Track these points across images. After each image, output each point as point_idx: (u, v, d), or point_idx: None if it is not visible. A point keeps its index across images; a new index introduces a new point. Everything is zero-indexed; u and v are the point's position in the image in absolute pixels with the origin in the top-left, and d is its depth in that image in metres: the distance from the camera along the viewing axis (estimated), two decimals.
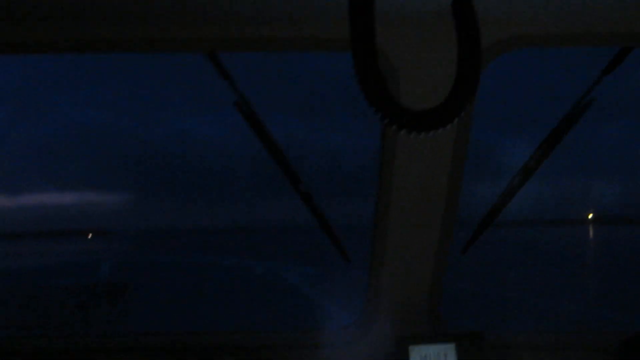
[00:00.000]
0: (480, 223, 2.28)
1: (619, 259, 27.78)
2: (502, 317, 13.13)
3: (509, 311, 13.69)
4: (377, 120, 0.99)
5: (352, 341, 2.28)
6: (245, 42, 1.96)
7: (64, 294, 16.58)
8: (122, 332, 12.15)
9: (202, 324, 13.44)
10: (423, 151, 2.05)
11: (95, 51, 2.02)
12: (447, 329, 2.29)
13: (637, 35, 1.92)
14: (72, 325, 14.12)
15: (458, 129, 1.99)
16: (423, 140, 1.84)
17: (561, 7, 1.79)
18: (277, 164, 2.08)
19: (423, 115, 1.00)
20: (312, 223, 2.22)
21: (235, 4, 1.77)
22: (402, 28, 1.84)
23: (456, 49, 1.01)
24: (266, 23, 1.86)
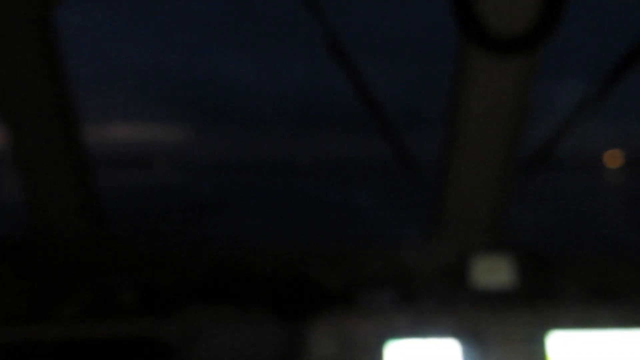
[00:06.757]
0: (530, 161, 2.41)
1: None
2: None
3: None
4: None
5: (418, 251, 2.51)
6: None
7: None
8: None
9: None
10: (493, 79, 2.17)
11: None
12: (509, 245, 2.47)
13: None
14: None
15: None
16: (492, 70, 2.12)
17: None
18: (364, 100, 2.21)
19: (513, 41, 1.17)
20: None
21: None
22: None
23: None
24: None
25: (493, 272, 2.33)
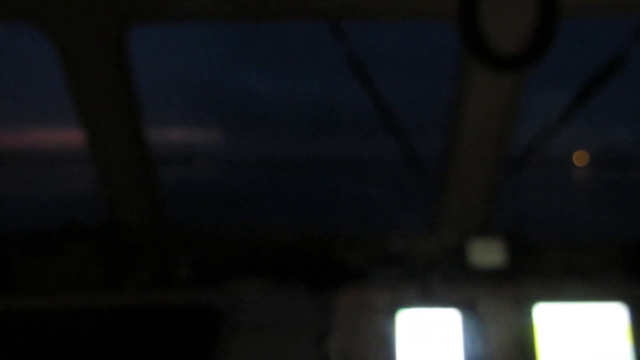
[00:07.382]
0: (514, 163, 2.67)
1: None
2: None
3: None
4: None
5: (423, 235, 2.79)
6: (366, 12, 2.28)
7: None
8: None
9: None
10: (487, 92, 2.44)
11: (226, 19, 2.29)
12: (500, 231, 2.75)
13: None
14: None
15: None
16: (487, 84, 2.38)
17: None
18: (381, 113, 2.51)
19: (512, 57, 1.19)
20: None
21: None
22: None
23: None
24: None
25: (486, 253, 2.61)
